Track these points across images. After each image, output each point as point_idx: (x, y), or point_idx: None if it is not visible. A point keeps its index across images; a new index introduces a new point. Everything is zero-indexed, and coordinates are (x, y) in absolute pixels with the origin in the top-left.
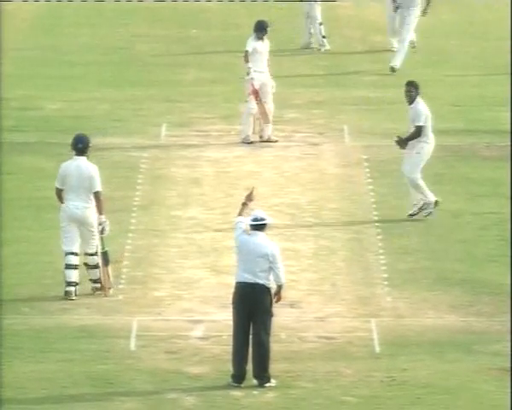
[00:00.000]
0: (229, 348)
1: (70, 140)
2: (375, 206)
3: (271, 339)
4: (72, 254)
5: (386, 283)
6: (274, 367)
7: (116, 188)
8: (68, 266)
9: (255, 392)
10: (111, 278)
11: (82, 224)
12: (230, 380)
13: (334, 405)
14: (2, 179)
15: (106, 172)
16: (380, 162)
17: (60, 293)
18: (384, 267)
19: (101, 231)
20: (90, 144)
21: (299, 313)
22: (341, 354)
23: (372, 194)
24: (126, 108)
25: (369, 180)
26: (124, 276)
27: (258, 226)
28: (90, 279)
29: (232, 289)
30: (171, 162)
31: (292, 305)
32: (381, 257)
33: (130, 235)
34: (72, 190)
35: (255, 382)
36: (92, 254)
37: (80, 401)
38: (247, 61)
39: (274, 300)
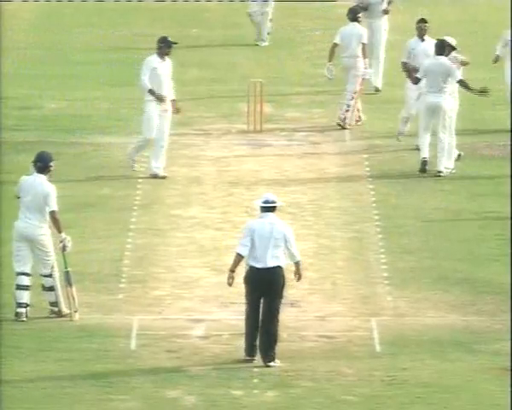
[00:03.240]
0: (230, 348)
1: (71, 139)
2: (375, 205)
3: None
4: (24, 274)
5: (386, 282)
6: (274, 366)
7: (116, 187)
8: (19, 287)
9: (255, 391)
10: (76, 301)
11: (32, 242)
12: (244, 354)
13: (334, 404)
14: (2, 178)
15: (106, 172)
16: (380, 161)
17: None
18: (384, 266)
19: (63, 248)
20: (52, 163)
21: (300, 312)
22: (342, 353)
23: (372, 193)
24: (127, 107)
25: (370, 179)
26: (124, 275)
27: (269, 208)
28: (48, 302)
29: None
30: (171, 161)
31: (292, 304)
32: (382, 256)
33: (131, 234)
34: (24, 206)
35: (261, 361)
36: (47, 276)
37: (80, 401)
38: (366, 55)
39: (295, 278)
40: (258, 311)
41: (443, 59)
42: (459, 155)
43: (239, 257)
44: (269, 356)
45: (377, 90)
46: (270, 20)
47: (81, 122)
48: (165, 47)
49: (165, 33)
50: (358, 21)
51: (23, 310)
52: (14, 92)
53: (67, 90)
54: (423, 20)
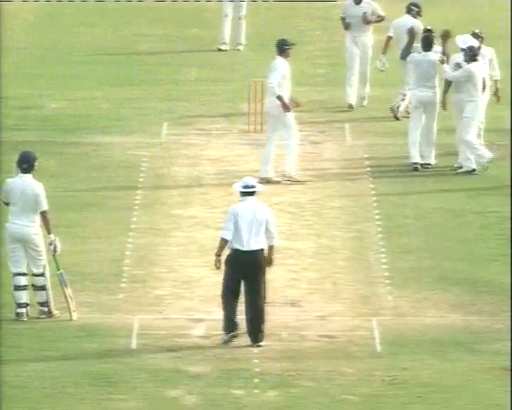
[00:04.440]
0: (231, 347)
1: (71, 139)
2: (375, 204)
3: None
4: (20, 274)
5: (387, 281)
6: (275, 366)
7: (117, 187)
8: (17, 288)
9: (256, 391)
10: (73, 300)
11: (25, 243)
12: (223, 334)
13: (334, 403)
14: (2, 178)
15: (107, 171)
16: (381, 161)
17: (58, 291)
18: (385, 266)
19: (54, 250)
20: (36, 162)
21: (300, 311)
22: (342, 353)
23: (373, 192)
24: (127, 107)
25: (371, 179)
26: (124, 275)
27: (250, 193)
28: (38, 302)
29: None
30: (172, 161)
31: (293, 304)
32: (382, 256)
33: (131, 234)
34: (15, 208)
35: (250, 341)
36: (39, 275)
37: (80, 401)
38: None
39: (266, 263)
40: (236, 292)
41: (431, 54)
42: (415, 167)
43: (224, 242)
44: (258, 338)
45: (350, 106)
46: (243, 17)
47: (81, 122)
48: (288, 50)
49: (165, 33)
50: (412, 14)
51: (23, 310)
52: (14, 92)
53: (67, 90)
54: (429, 31)
